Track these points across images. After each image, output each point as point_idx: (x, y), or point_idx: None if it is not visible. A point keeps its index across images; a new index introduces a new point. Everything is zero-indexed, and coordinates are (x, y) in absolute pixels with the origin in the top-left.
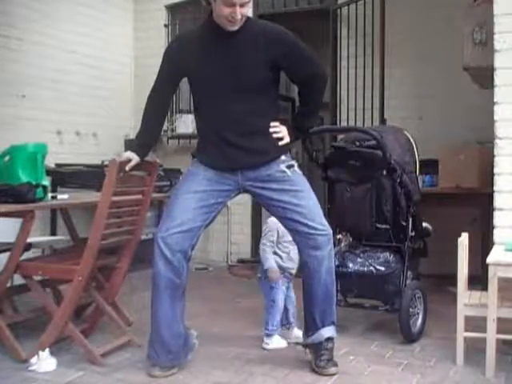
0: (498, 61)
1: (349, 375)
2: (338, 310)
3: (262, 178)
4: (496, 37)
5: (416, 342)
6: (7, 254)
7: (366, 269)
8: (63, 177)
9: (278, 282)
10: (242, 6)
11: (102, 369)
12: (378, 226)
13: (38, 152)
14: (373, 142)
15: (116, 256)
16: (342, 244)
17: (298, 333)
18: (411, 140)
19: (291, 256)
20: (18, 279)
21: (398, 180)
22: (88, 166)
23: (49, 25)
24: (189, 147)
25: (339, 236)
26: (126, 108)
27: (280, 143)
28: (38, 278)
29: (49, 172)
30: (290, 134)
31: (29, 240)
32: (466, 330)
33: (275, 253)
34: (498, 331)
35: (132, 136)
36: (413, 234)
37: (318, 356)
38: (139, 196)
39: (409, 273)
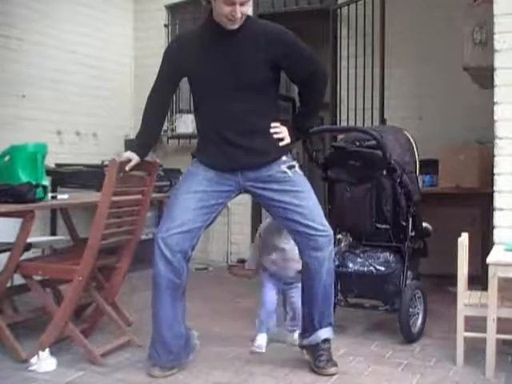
0: (498, 61)
1: (349, 375)
2: (337, 310)
3: (262, 178)
4: (496, 37)
5: (416, 342)
6: (7, 253)
7: (366, 269)
8: (63, 177)
9: (266, 282)
10: (242, 4)
11: (102, 369)
12: (378, 225)
13: (38, 152)
14: (373, 142)
15: (116, 256)
16: (342, 244)
17: (295, 337)
18: (411, 140)
19: (275, 260)
20: (18, 279)
21: (398, 180)
22: (88, 165)
23: (49, 25)
24: (189, 147)
25: (339, 236)
26: (126, 108)
27: (280, 144)
28: (38, 278)
29: (49, 172)
30: (290, 134)
31: (29, 240)
32: (466, 330)
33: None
34: (498, 331)
35: (132, 136)
36: (413, 234)
37: (316, 357)
38: (139, 196)
39: (409, 273)
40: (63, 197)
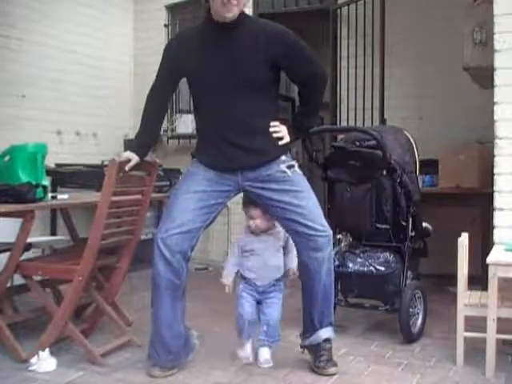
0: (498, 61)
1: (349, 375)
2: (338, 310)
3: (261, 178)
4: (496, 37)
5: (416, 342)
6: (7, 253)
7: (366, 269)
8: (63, 177)
9: (241, 292)
10: None
11: (102, 369)
12: (378, 225)
13: (38, 152)
14: (373, 142)
15: (116, 256)
16: (342, 244)
17: (264, 357)
18: (411, 140)
19: (250, 267)
20: (18, 279)
21: (398, 180)
22: (88, 166)
23: (49, 25)
24: (189, 147)
25: (339, 236)
26: (126, 108)
27: (280, 143)
28: (38, 278)
29: (49, 172)
30: (289, 133)
31: (29, 240)
32: (466, 330)
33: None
34: (498, 331)
35: (131, 136)
36: (413, 234)
37: (317, 357)
38: (139, 196)
39: (409, 273)
40: (63, 197)
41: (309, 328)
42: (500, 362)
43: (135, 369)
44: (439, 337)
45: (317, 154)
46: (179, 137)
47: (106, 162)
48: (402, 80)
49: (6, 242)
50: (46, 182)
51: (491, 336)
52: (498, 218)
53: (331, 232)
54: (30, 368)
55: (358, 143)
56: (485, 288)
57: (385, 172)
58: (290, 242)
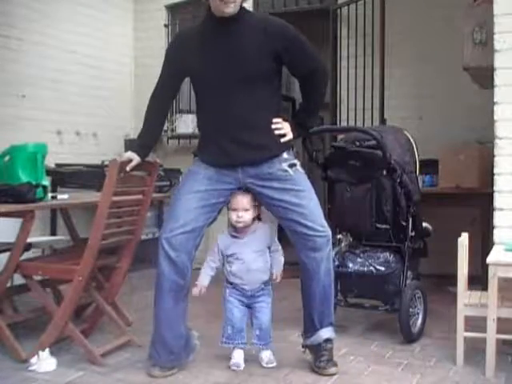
0: (498, 61)
1: (349, 375)
2: (338, 310)
3: (263, 176)
4: (496, 37)
5: (416, 342)
6: (7, 253)
7: (366, 269)
8: (63, 177)
9: (228, 297)
10: None
11: (102, 369)
12: (378, 225)
13: (38, 152)
14: (373, 142)
15: (116, 256)
16: (342, 244)
17: (268, 358)
18: (411, 140)
19: (234, 272)
20: (18, 279)
21: (398, 180)
22: (88, 166)
23: (49, 25)
24: (189, 147)
25: (339, 236)
26: (126, 108)
27: (282, 140)
28: (38, 277)
29: (49, 172)
30: (292, 130)
31: (29, 240)
32: (466, 330)
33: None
34: (498, 331)
35: (132, 136)
36: (413, 234)
37: (317, 357)
38: (139, 196)
39: (409, 273)
40: (63, 197)
41: (309, 328)
42: (500, 362)
43: (135, 369)
44: (439, 337)
45: (317, 154)
46: (179, 137)
47: (106, 162)
48: (402, 80)
49: (5, 242)
50: (46, 182)
51: (491, 336)
52: (498, 218)
53: (330, 232)
54: (30, 368)
55: (358, 143)
56: (485, 288)
57: (385, 172)
58: (275, 241)
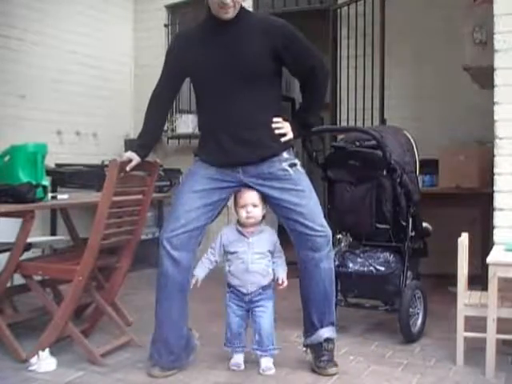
0: (498, 61)
1: (349, 375)
2: (338, 310)
3: (263, 175)
4: (496, 37)
5: (416, 342)
6: (7, 253)
7: (366, 269)
8: (63, 177)
9: (228, 301)
10: None
11: (102, 369)
12: (378, 226)
13: (37, 152)
14: (373, 142)
15: (116, 256)
16: (342, 244)
17: (265, 365)
18: (411, 140)
19: (232, 271)
20: (18, 279)
21: (398, 180)
22: (88, 166)
23: (49, 25)
24: (189, 147)
25: (339, 236)
26: (126, 108)
27: (282, 139)
28: (38, 277)
29: (49, 172)
30: (293, 130)
31: (29, 240)
32: (466, 330)
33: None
34: (498, 331)
35: (132, 136)
36: (413, 234)
37: (318, 357)
38: (139, 196)
39: (409, 273)
40: (63, 197)
41: (309, 328)
42: (500, 362)
43: (135, 369)
44: (439, 337)
45: (317, 154)
46: (179, 137)
47: (106, 162)
48: (402, 80)
49: (5, 242)
50: (46, 182)
51: (491, 336)
52: (498, 218)
53: (330, 232)
54: (30, 368)
55: (358, 143)
56: (485, 288)
57: (385, 172)
58: (278, 247)
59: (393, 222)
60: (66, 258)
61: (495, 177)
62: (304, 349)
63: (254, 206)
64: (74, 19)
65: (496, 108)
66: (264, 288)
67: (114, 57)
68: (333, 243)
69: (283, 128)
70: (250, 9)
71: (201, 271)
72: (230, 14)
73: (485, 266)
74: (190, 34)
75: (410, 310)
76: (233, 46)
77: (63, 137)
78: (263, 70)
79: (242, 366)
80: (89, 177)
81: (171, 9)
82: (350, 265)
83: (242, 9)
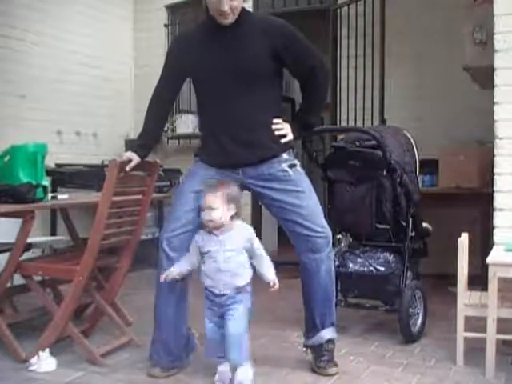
0: (498, 61)
1: (349, 375)
2: (338, 310)
3: (263, 176)
4: (496, 37)
5: (416, 343)
6: (7, 254)
7: (366, 269)
8: (63, 177)
9: (205, 304)
10: None
11: (102, 369)
12: (378, 226)
13: (37, 152)
14: (373, 142)
15: (116, 256)
16: (342, 244)
17: (239, 374)
18: (411, 140)
19: (205, 271)
20: (18, 279)
21: (398, 180)
22: (88, 166)
23: (49, 25)
24: (189, 147)
25: (339, 236)
26: (126, 108)
27: (283, 140)
28: (38, 277)
29: (49, 172)
30: (293, 131)
31: (29, 240)
32: (466, 330)
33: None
34: (498, 331)
35: (132, 136)
36: (413, 234)
37: (318, 357)
38: (139, 196)
39: (409, 273)
40: (63, 197)
41: (311, 329)
42: (500, 362)
43: (135, 369)
44: (439, 337)
45: (317, 154)
46: (179, 137)
47: (106, 162)
48: (402, 80)
49: (5, 242)
50: (46, 182)
51: (491, 336)
52: (498, 218)
53: (330, 233)
54: (30, 368)
55: (358, 143)
56: (485, 288)
57: (385, 172)
58: (257, 242)
59: (393, 222)
60: (66, 258)
61: (495, 177)
62: (304, 349)
63: (212, 209)
64: (74, 19)
65: (496, 108)
66: (238, 290)
67: (114, 57)
68: (333, 243)
69: (283, 129)
70: (250, 9)
71: (176, 267)
72: (229, 20)
73: (485, 266)
74: (190, 35)
75: (410, 310)
76: (233, 47)
77: (63, 137)
78: (263, 71)
79: (229, 374)
80: (89, 177)
81: (171, 9)
82: (350, 265)
83: (243, 9)
